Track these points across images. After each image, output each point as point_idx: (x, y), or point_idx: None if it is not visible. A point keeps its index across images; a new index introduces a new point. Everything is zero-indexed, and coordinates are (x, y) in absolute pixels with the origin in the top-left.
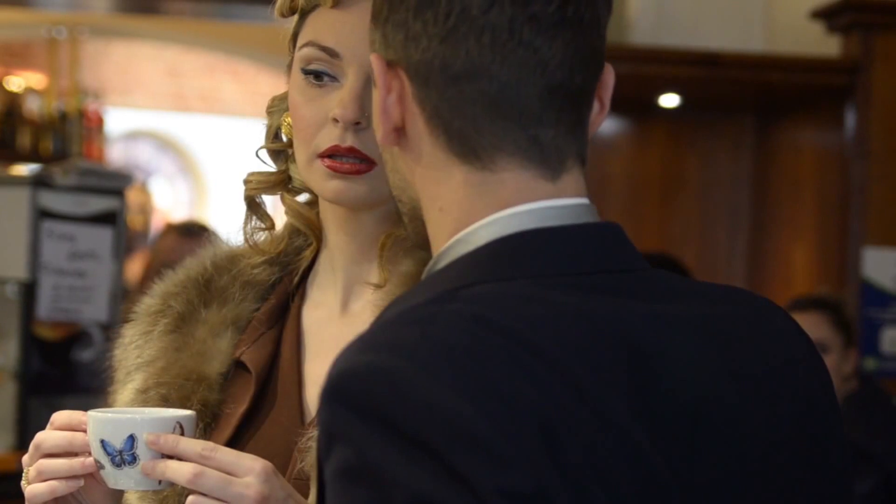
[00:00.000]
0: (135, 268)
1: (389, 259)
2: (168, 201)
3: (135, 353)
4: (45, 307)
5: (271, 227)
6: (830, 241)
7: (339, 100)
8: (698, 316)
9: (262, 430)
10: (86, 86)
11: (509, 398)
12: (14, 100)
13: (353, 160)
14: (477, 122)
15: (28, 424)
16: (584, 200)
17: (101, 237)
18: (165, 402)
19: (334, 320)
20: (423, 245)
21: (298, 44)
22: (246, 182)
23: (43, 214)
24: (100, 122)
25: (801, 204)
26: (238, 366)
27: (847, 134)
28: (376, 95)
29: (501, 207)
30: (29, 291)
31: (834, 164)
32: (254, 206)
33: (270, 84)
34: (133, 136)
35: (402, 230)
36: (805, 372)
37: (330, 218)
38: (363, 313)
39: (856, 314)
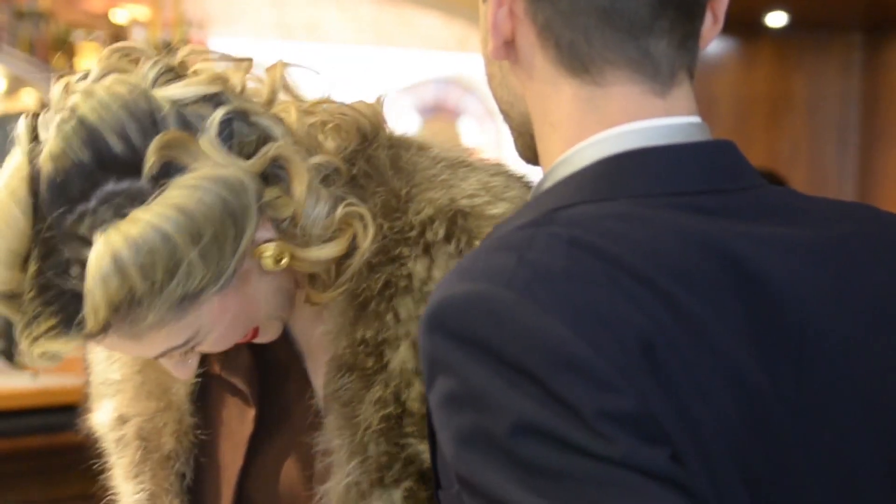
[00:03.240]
0: None
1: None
2: None
3: (103, 364)
4: None
5: None
6: None
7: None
8: (812, 237)
9: (274, 443)
10: (189, 17)
11: (608, 320)
12: (119, 32)
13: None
14: (588, 33)
15: None
16: (695, 118)
17: None
18: (142, 440)
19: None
20: (532, 160)
21: None
22: None
23: None
24: None
25: None
26: (214, 380)
27: None
28: (487, 9)
29: (609, 125)
30: None
31: None
32: None
33: (373, 12)
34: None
35: (309, 304)
36: None
37: None
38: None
39: None
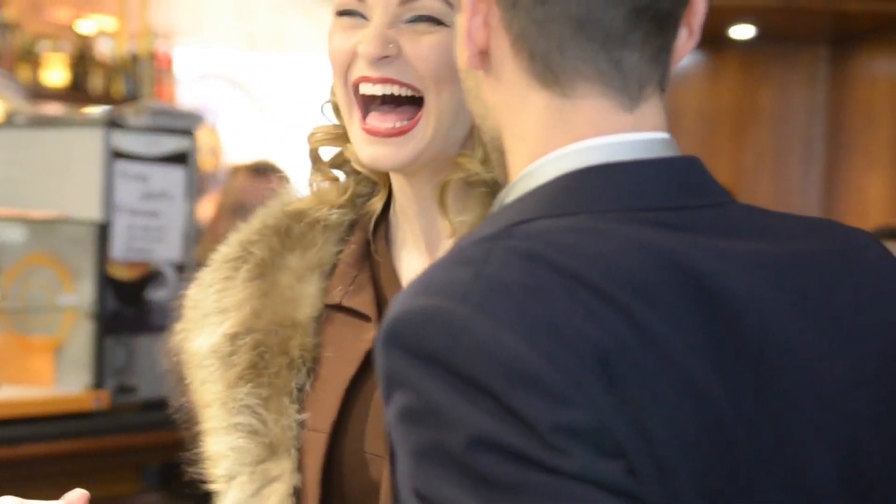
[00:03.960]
0: (206, 209)
1: (455, 208)
2: (238, 142)
3: (215, 296)
4: (119, 247)
5: (334, 180)
6: None
7: (363, 36)
8: (774, 253)
9: (372, 392)
10: (156, 28)
11: (564, 334)
12: (86, 43)
13: (395, 121)
14: (562, 44)
15: (104, 363)
16: (662, 134)
17: (173, 177)
18: (260, 348)
19: (425, 266)
20: (506, 179)
21: None
22: (310, 136)
23: (115, 155)
24: (170, 63)
25: (877, 134)
26: (335, 310)
27: None
28: (461, 19)
29: (575, 139)
30: (103, 232)
31: None
32: (318, 160)
33: None
34: (204, 76)
35: (457, 173)
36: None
37: (392, 176)
38: None
39: None
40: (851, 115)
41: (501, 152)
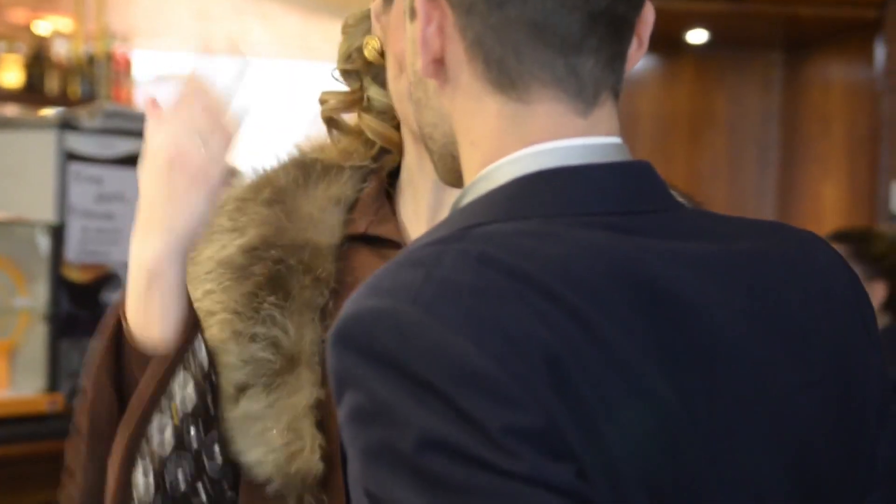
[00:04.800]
0: None
1: None
2: None
3: (228, 214)
4: (73, 250)
5: (358, 136)
6: (860, 176)
7: None
8: (722, 254)
9: None
10: (113, 29)
11: (514, 336)
12: (42, 44)
13: None
14: (518, 49)
15: (58, 367)
16: (615, 139)
17: (129, 179)
18: (282, 263)
19: None
20: (454, 182)
21: None
22: (322, 102)
23: (70, 157)
24: (128, 65)
25: (831, 139)
26: (359, 241)
27: (877, 68)
28: (414, 28)
29: (529, 143)
30: (57, 234)
31: (863, 98)
32: (333, 124)
33: (299, 26)
34: (162, 79)
35: None
36: (844, 308)
37: (411, 142)
38: None
39: (881, 247)
40: (806, 120)
41: (454, 158)
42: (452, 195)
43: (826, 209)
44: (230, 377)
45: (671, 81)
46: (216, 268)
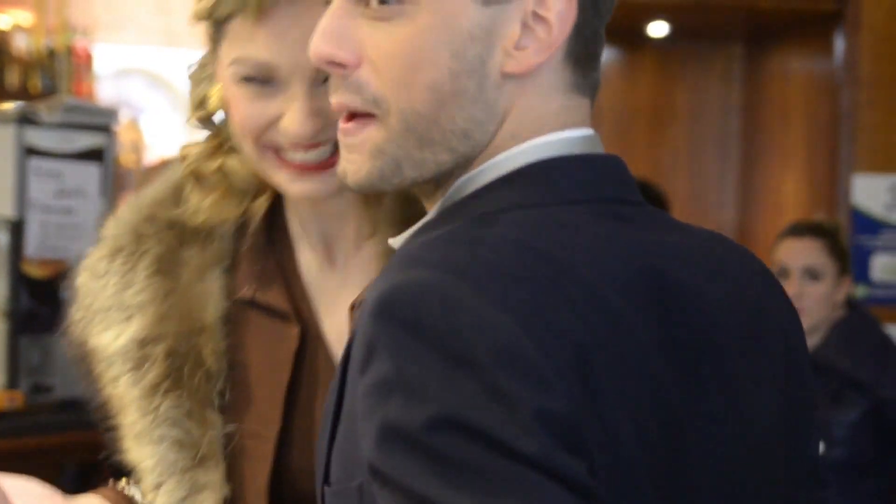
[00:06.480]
0: None
1: (372, 206)
2: (160, 138)
3: (113, 289)
4: (33, 245)
5: (226, 189)
6: (820, 168)
7: (290, 119)
8: (693, 245)
9: (317, 360)
10: (74, 23)
11: (553, 323)
12: (2, 38)
13: (319, 154)
14: (593, 55)
15: (17, 364)
16: (591, 131)
17: (89, 174)
18: (173, 357)
19: (327, 272)
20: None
21: (224, 56)
22: (183, 157)
23: (29, 152)
24: (89, 59)
25: (791, 132)
26: (247, 306)
27: (836, 60)
28: (490, 13)
29: (547, 133)
30: (16, 230)
31: (823, 90)
32: (199, 178)
33: None
34: (123, 72)
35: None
36: (784, 314)
37: None
38: (358, 265)
39: (846, 241)
40: (766, 113)
41: (457, 167)
42: (337, 217)
43: (786, 201)
44: (146, 474)
45: (632, 74)
46: (118, 356)
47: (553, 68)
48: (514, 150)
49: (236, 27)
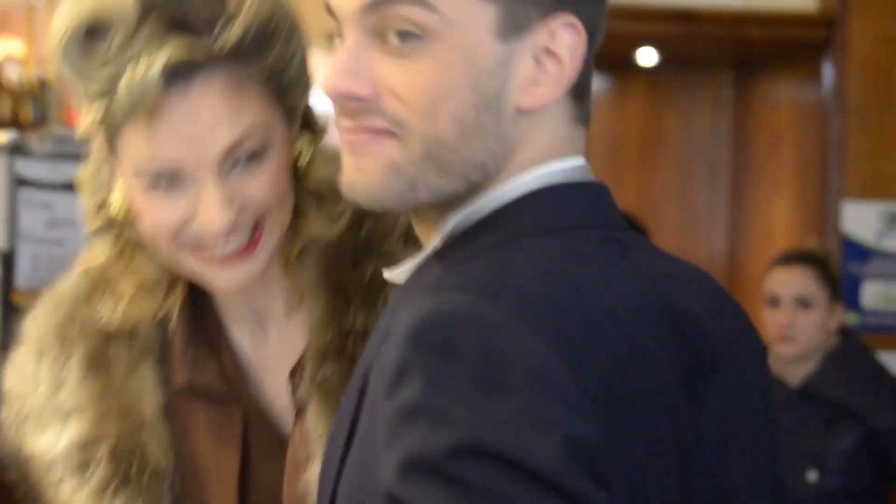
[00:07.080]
0: None
1: (296, 273)
2: None
3: (46, 394)
4: (24, 276)
5: (138, 290)
6: (810, 195)
7: (205, 213)
8: (680, 270)
9: (263, 475)
10: None
11: (581, 351)
12: None
13: (238, 241)
14: (589, 83)
15: None
16: (584, 160)
17: (80, 205)
18: (119, 458)
19: (262, 344)
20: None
21: (125, 165)
22: (86, 271)
23: (20, 182)
24: None
25: (781, 159)
26: (184, 395)
27: (825, 88)
28: (515, 51)
29: (550, 161)
30: (7, 261)
31: (812, 118)
32: (109, 287)
33: None
34: None
35: (298, 244)
36: (749, 328)
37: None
38: (292, 333)
39: (836, 268)
40: (756, 140)
41: (473, 184)
42: (265, 292)
43: (776, 228)
44: None
45: (622, 102)
46: (59, 462)
47: (559, 101)
48: (522, 178)
49: (131, 134)
